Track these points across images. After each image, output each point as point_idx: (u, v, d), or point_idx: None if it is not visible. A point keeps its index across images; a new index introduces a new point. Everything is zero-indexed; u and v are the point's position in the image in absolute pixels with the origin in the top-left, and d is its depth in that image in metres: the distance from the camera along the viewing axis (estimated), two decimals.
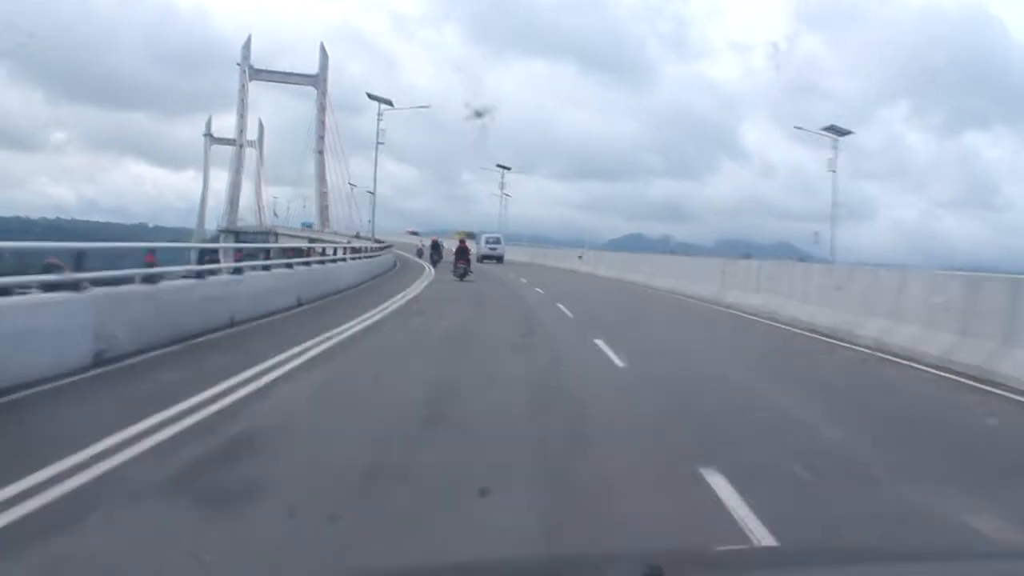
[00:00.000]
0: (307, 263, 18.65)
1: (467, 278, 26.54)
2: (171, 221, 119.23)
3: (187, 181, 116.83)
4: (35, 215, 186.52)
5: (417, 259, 45.74)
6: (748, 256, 30.64)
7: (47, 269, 8.00)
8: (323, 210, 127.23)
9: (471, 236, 71.61)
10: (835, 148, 43.99)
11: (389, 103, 47.55)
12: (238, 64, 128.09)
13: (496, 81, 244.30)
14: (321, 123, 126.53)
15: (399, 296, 20.02)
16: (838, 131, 46.09)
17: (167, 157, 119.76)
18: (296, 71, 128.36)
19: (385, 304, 17.50)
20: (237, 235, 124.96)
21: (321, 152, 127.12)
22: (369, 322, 14.18)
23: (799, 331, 15.15)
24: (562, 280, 31.45)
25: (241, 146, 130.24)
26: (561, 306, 18.72)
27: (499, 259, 49.72)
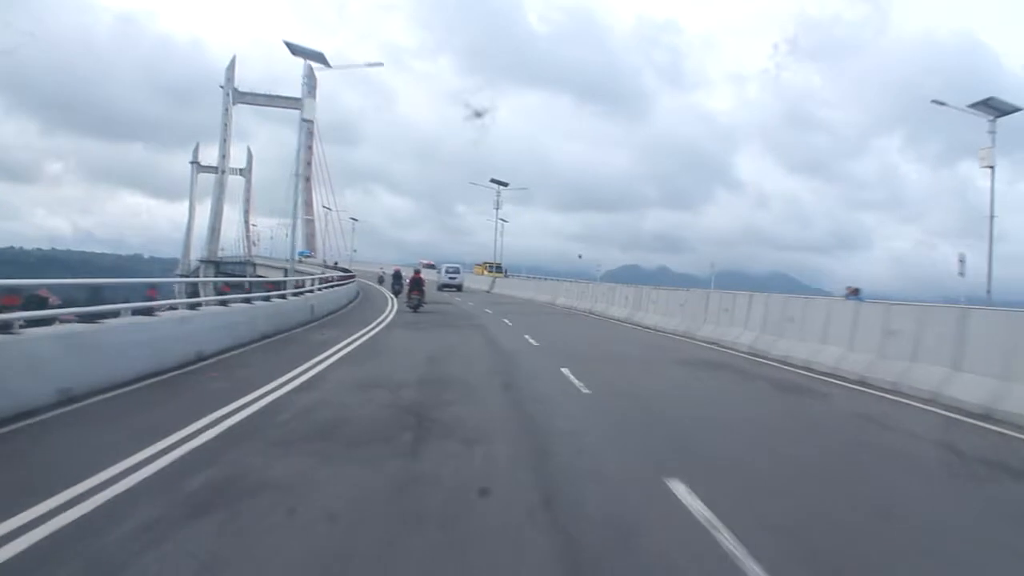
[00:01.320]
0: (223, 302, 14.65)
1: (421, 309, 25.80)
2: (167, 252, 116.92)
3: (182, 212, 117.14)
4: (30, 246, 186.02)
5: (378, 286, 46.38)
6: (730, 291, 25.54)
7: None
8: (309, 238, 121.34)
9: (498, 268, 68.39)
10: (992, 133, 28.66)
11: (321, 58, 41.56)
12: (221, 87, 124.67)
13: (491, 112, 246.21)
14: (308, 148, 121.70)
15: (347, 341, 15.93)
16: (997, 108, 29.08)
17: (162, 188, 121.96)
18: (281, 95, 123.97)
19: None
20: (218, 265, 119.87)
21: (308, 179, 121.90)
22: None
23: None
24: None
25: (223, 172, 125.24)
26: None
27: (458, 287, 53.79)
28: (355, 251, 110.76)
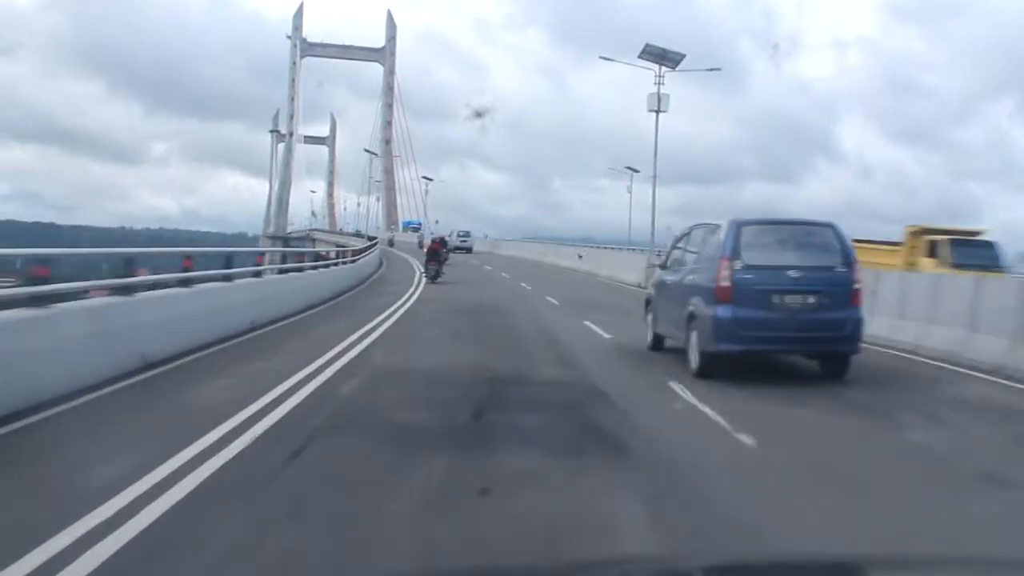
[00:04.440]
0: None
1: (439, 279, 27.17)
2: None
3: (300, 194, 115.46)
4: (139, 226, 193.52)
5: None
6: None
7: None
8: (390, 209, 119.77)
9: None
10: None
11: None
12: (288, 37, 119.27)
13: (582, 84, 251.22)
14: (388, 106, 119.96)
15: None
16: None
17: (262, 166, 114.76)
18: (357, 45, 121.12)
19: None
20: (285, 241, 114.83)
21: (388, 141, 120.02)
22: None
23: None
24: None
25: (290, 135, 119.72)
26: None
27: (469, 249, 61.85)
28: (437, 222, 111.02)
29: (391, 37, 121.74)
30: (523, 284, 26.93)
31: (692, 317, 9.65)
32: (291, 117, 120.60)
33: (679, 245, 11.62)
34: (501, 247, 65.38)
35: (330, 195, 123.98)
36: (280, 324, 13.51)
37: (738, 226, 9.65)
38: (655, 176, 34.01)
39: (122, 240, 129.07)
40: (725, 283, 9.26)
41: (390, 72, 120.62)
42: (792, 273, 9.34)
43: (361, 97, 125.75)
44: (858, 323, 9.52)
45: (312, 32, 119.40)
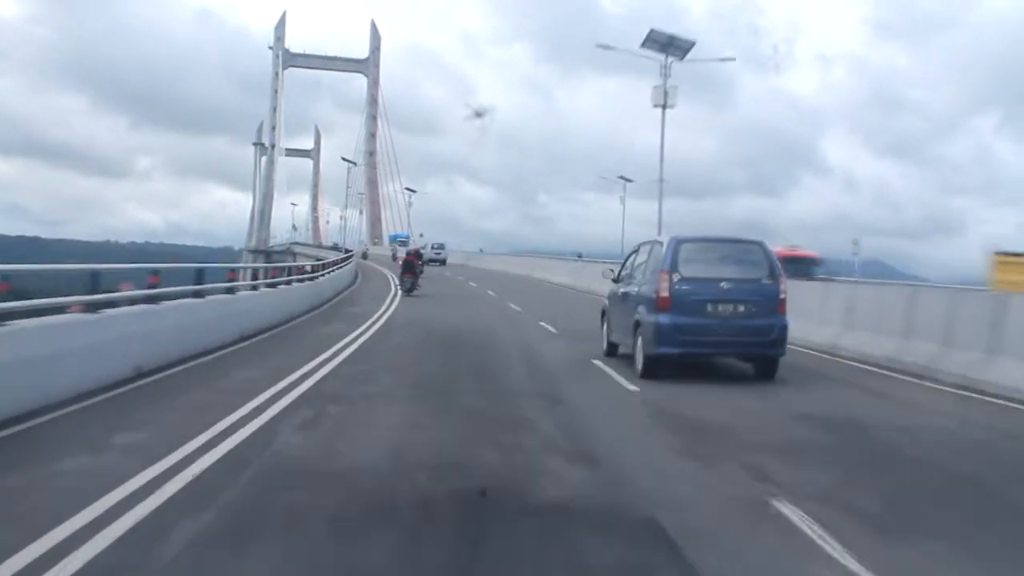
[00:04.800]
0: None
1: (415, 292, 26.90)
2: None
3: (281, 207, 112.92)
4: (125, 240, 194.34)
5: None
6: None
7: None
8: (374, 223, 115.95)
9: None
10: None
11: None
12: (270, 48, 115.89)
13: (568, 98, 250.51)
14: (372, 117, 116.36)
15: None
16: None
17: (247, 180, 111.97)
18: (340, 56, 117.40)
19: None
20: (267, 255, 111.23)
21: (372, 153, 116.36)
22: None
23: None
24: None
25: (272, 147, 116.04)
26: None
27: (442, 261, 63.11)
28: (422, 235, 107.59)
29: (375, 48, 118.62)
30: (512, 305, 23.43)
31: (637, 324, 10.72)
32: (273, 129, 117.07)
33: (629, 261, 12.51)
34: (486, 260, 63.73)
35: (314, 208, 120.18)
36: (180, 368, 9.96)
37: (677, 243, 10.74)
38: (662, 180, 30.80)
39: (107, 254, 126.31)
40: (664, 293, 10.29)
41: (374, 83, 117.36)
42: (724, 285, 10.40)
43: (346, 110, 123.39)
44: (783, 329, 10.45)
45: (296, 45, 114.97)
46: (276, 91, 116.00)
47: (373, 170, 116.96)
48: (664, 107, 30.34)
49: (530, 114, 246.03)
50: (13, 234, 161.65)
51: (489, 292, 29.97)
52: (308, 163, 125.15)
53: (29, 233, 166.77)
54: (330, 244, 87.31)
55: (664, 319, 10.23)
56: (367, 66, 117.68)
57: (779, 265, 10.91)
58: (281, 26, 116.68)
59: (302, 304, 18.57)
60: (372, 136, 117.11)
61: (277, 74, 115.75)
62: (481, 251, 75.31)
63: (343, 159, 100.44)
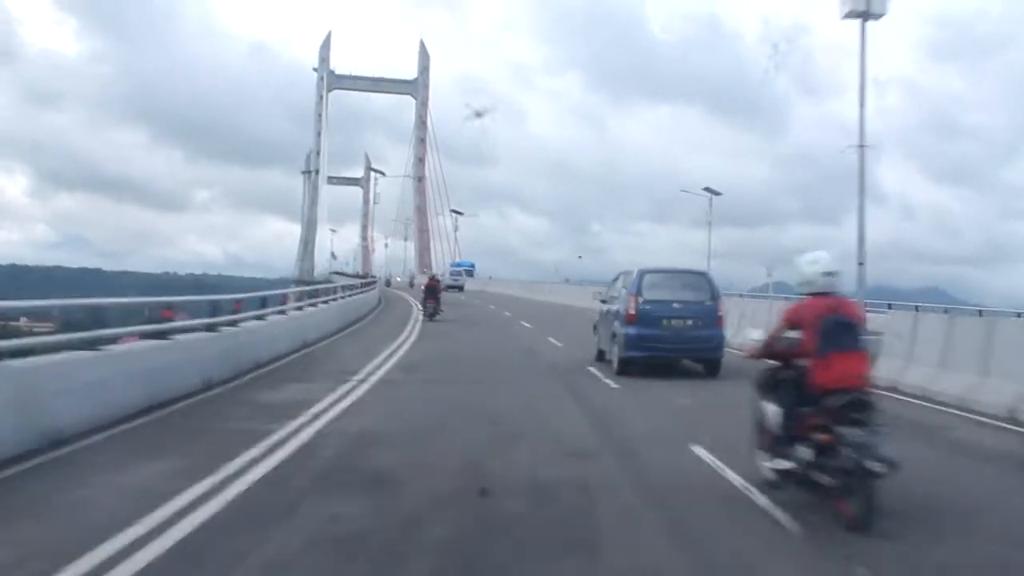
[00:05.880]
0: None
1: (436, 318, 29.05)
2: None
3: (324, 235, 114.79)
4: (183, 271, 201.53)
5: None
6: None
7: None
8: (422, 252, 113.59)
9: None
10: None
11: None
12: (314, 69, 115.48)
13: (620, 127, 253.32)
14: (420, 141, 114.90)
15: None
16: None
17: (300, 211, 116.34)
18: (387, 77, 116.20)
19: None
20: (311, 286, 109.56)
21: (421, 179, 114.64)
22: None
23: None
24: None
25: (315, 172, 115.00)
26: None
27: (460, 288, 66.83)
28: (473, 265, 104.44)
29: (424, 68, 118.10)
30: (551, 339, 22.55)
31: (614, 335, 14.85)
32: (317, 154, 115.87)
33: (613, 286, 16.53)
34: (501, 286, 68.62)
35: (364, 237, 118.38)
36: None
37: (641, 273, 14.94)
38: (862, 136, 27.05)
39: (166, 286, 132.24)
40: (632, 311, 14.25)
41: (423, 105, 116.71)
42: (676, 305, 14.46)
43: (397, 142, 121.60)
44: (721, 338, 14.74)
45: (343, 70, 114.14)
46: (320, 115, 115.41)
47: (422, 197, 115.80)
48: (865, 18, 26.13)
49: (582, 143, 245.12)
50: (76, 266, 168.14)
51: (506, 313, 35.90)
52: (357, 192, 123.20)
53: (91, 265, 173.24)
54: (362, 273, 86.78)
55: (632, 330, 14.10)
56: (415, 87, 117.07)
57: (719, 290, 15.26)
58: (326, 47, 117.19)
59: (288, 345, 17.03)
60: (420, 161, 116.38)
61: (321, 97, 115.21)
62: (490, 278, 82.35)
63: (372, 170, 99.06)
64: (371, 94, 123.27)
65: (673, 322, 14.10)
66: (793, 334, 6.35)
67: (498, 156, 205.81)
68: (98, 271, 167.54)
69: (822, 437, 5.79)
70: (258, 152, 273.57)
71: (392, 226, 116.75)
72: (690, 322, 14.18)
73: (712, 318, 14.35)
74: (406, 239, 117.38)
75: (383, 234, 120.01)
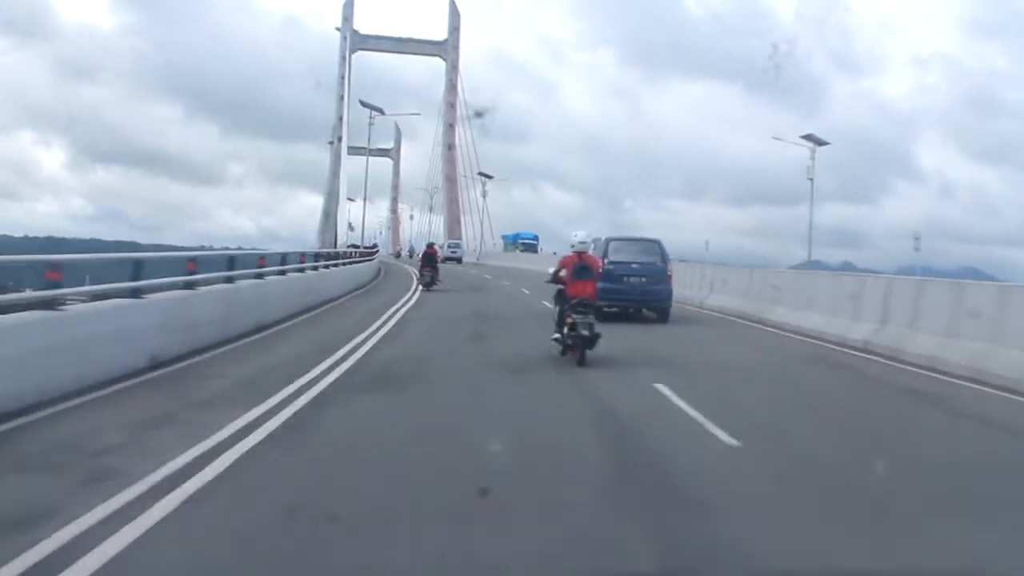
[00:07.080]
0: None
1: (434, 287, 30.24)
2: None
3: (356, 209, 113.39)
4: (219, 244, 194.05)
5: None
6: None
7: None
8: (453, 224, 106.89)
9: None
10: None
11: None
12: (337, 29, 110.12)
13: (654, 105, 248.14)
14: (450, 106, 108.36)
15: None
16: None
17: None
18: (415, 37, 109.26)
19: None
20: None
21: (451, 147, 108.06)
22: None
23: None
24: None
25: (338, 140, 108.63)
26: None
27: (458, 260, 73.36)
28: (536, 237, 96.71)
29: (454, 28, 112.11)
30: (536, 297, 27.88)
31: None
32: (340, 120, 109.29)
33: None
34: (499, 258, 74.36)
35: (393, 211, 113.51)
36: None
37: (607, 240, 20.33)
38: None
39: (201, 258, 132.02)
40: (599, 270, 16.17)
41: (452, 68, 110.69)
42: (634, 265, 19.43)
43: (427, 117, 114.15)
44: (670, 293, 20.15)
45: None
46: (343, 77, 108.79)
47: (452, 166, 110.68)
48: None
49: (616, 120, 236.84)
50: (112, 239, 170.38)
51: (504, 282, 40.24)
52: (388, 164, 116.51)
53: (127, 238, 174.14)
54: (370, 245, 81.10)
55: (601, 285, 15.85)
56: (444, 48, 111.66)
57: (668, 254, 20.83)
58: (349, 5, 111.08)
59: None
60: (451, 127, 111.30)
61: (344, 58, 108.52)
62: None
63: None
64: (400, 62, 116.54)
65: (632, 279, 19.51)
66: (563, 272, 13.51)
67: (529, 133, 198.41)
68: (134, 243, 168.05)
69: (569, 320, 13.10)
70: (290, 127, 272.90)
71: (421, 196, 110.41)
72: (645, 279, 19.71)
73: (663, 276, 19.99)
74: (431, 209, 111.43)
75: (409, 206, 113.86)
